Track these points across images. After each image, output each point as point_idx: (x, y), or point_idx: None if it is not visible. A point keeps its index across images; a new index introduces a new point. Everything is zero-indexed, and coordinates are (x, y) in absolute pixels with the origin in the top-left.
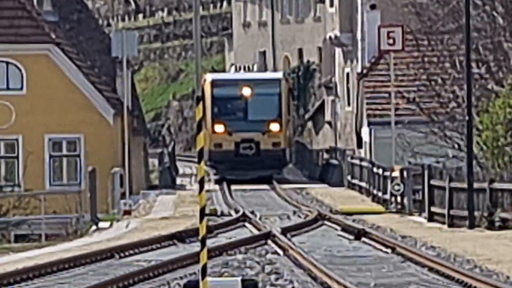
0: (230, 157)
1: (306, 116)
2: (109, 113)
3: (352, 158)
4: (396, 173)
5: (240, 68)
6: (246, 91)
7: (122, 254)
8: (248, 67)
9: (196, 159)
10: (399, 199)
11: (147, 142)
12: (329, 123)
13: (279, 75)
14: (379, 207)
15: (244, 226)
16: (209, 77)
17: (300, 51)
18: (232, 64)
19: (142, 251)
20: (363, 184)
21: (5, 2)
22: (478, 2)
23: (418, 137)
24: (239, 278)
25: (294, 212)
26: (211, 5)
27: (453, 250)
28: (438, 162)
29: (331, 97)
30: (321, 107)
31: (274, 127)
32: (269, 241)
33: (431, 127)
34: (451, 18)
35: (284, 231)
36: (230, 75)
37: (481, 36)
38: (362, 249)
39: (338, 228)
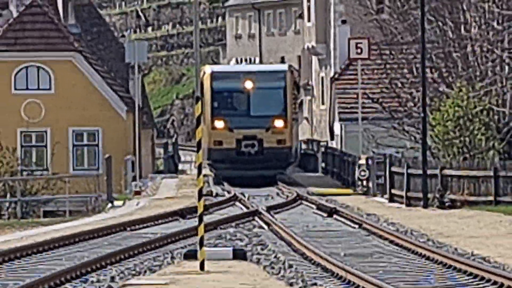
0: (231, 155)
1: None
2: (122, 110)
3: (325, 148)
4: (362, 161)
5: (241, 61)
6: (249, 84)
7: (133, 228)
8: (250, 60)
9: (195, 149)
10: (364, 183)
11: (154, 134)
12: (307, 118)
13: (284, 66)
14: (348, 190)
15: (235, 205)
16: (208, 69)
17: (283, 58)
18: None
19: (150, 225)
20: (335, 170)
21: (37, 16)
22: (431, 18)
23: (381, 131)
24: (230, 248)
25: (277, 193)
26: (208, 20)
27: (410, 226)
28: (397, 152)
29: (309, 97)
30: (300, 105)
31: (279, 123)
32: (256, 218)
33: (392, 122)
34: (408, 32)
35: (269, 209)
36: (231, 67)
37: (434, 47)
38: (333, 225)
39: (314, 207)
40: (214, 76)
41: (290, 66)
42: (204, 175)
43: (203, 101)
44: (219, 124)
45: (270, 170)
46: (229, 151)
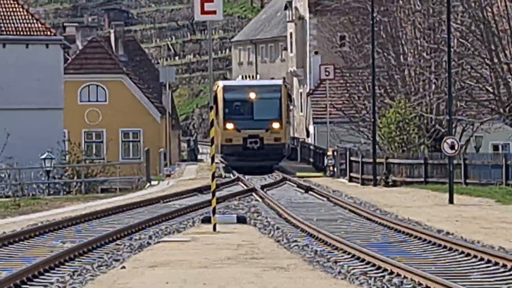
0: (238, 150)
1: None
2: (157, 116)
3: (303, 143)
4: (329, 153)
5: (247, 77)
6: (252, 95)
7: (165, 200)
8: (253, 76)
9: (210, 144)
10: (331, 168)
11: (180, 133)
12: (289, 122)
13: (279, 82)
14: (320, 173)
15: (238, 184)
16: (221, 83)
17: (272, 79)
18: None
19: (177, 198)
20: (310, 159)
21: (96, 49)
22: (379, 50)
23: (343, 131)
24: (235, 215)
25: (269, 176)
26: (219, 51)
27: (364, 199)
28: (355, 146)
29: (291, 107)
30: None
31: (276, 125)
32: (253, 193)
33: (351, 125)
34: (363, 60)
35: (262, 187)
36: (239, 82)
37: (381, 70)
38: (309, 198)
39: (295, 185)
40: (225, 88)
41: (284, 81)
42: (216, 163)
43: (217, 108)
44: (230, 125)
45: (269, 161)
46: (237, 147)
